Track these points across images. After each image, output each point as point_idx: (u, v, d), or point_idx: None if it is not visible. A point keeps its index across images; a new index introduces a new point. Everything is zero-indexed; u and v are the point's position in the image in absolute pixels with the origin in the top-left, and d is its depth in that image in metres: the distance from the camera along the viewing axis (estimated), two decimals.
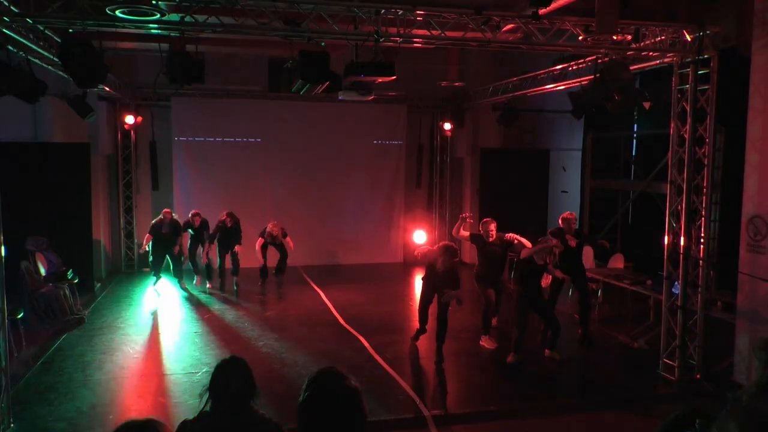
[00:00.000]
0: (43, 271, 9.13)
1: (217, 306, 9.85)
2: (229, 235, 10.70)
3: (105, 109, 11.73)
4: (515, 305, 7.45)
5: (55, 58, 6.97)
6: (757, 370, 3.44)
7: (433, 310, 7.64)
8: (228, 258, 10.91)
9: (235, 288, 10.76)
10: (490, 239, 8.05)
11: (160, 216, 10.71)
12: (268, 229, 10.88)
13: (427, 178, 14.53)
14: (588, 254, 10.45)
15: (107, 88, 9.95)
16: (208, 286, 10.99)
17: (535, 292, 7.47)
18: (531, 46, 7.04)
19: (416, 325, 7.98)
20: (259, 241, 10.89)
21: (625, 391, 6.79)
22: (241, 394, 2.84)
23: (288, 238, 11.08)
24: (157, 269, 10.92)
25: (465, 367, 7.47)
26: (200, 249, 10.99)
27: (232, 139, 12.85)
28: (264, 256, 10.99)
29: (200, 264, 11.06)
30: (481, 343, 8.05)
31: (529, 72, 10.18)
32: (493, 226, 8.08)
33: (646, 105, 7.90)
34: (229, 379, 2.85)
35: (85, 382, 6.68)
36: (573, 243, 8.14)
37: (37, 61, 7.28)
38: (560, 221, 8.37)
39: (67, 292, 9.02)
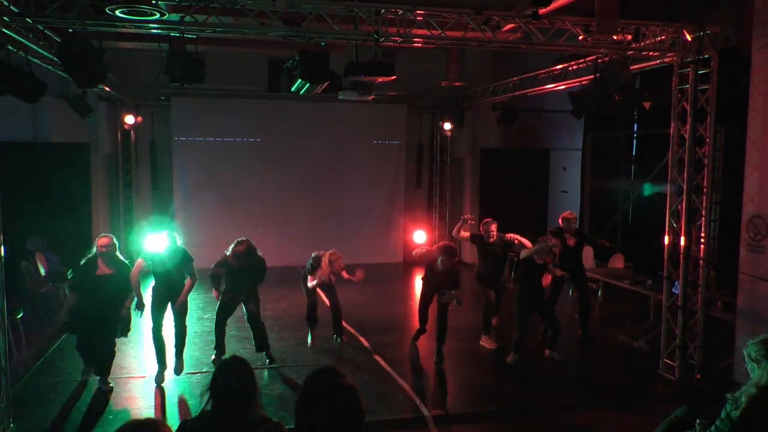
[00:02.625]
0: (43, 271, 9.13)
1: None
2: (239, 280, 7.01)
3: (105, 109, 11.74)
4: (516, 305, 7.45)
5: (55, 58, 6.98)
6: (755, 372, 3.44)
7: (432, 310, 7.63)
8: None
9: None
10: (491, 239, 8.05)
11: (96, 247, 6.35)
12: (325, 262, 7.51)
13: (427, 178, 14.53)
14: (588, 254, 10.46)
15: (107, 88, 9.95)
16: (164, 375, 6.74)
17: (536, 291, 7.47)
18: (531, 46, 7.04)
19: (416, 325, 7.98)
20: (311, 280, 7.62)
21: (625, 391, 6.79)
22: (243, 394, 2.85)
23: (345, 274, 7.77)
24: (88, 350, 6.55)
25: (465, 367, 7.47)
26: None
27: (232, 139, 12.84)
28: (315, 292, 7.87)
29: (163, 342, 6.79)
30: (481, 343, 8.05)
31: (529, 72, 10.18)
32: (494, 227, 8.08)
33: (646, 105, 7.89)
34: (231, 379, 2.86)
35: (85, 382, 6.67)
36: (572, 242, 8.16)
37: (37, 61, 7.28)
38: (560, 221, 8.38)
39: (67, 292, 9.01)
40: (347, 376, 2.04)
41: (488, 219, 8.26)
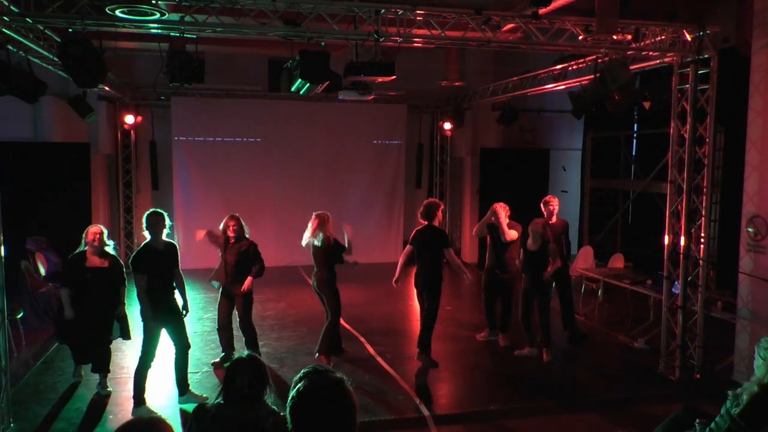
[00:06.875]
0: (43, 271, 9.12)
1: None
2: (237, 269, 6.89)
3: (105, 109, 11.73)
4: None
5: (55, 58, 6.97)
6: (759, 368, 3.44)
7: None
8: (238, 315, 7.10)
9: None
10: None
11: (87, 243, 6.07)
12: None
13: (427, 178, 14.53)
14: (588, 253, 10.47)
15: (107, 88, 9.95)
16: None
17: (537, 280, 7.47)
18: (531, 46, 7.04)
19: (416, 325, 7.94)
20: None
21: (625, 391, 6.79)
22: (248, 390, 3.06)
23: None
24: (81, 351, 6.45)
25: (465, 367, 7.47)
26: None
27: (232, 139, 12.85)
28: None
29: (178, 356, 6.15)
30: (494, 340, 8.07)
31: (529, 72, 10.18)
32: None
33: (646, 105, 7.90)
34: (236, 377, 3.08)
35: (85, 382, 6.67)
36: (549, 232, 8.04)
37: (37, 60, 7.28)
38: (541, 206, 8.39)
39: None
40: (333, 371, 2.07)
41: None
